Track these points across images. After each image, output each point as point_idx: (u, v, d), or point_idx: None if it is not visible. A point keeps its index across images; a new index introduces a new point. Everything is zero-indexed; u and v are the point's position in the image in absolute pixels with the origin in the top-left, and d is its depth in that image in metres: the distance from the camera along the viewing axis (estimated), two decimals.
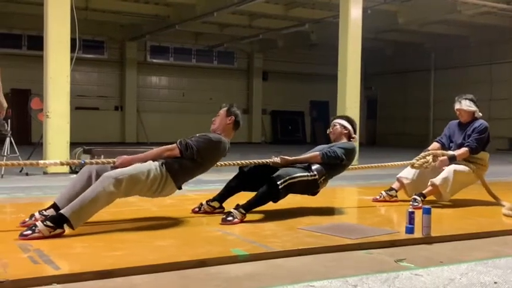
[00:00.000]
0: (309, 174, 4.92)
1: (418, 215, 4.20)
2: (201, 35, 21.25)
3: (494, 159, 14.39)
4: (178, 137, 4.63)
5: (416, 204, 5.37)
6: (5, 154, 8.97)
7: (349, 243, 3.89)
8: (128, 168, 4.22)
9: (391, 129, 24.17)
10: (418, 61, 23.03)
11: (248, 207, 4.66)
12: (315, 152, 5.14)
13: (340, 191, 7.37)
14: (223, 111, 4.93)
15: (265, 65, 24.17)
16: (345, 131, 5.45)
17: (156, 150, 4.53)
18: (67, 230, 3.89)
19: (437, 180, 5.63)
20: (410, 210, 4.23)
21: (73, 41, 9.18)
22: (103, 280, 2.99)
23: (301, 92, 24.35)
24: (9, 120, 9.76)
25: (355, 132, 5.55)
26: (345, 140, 5.38)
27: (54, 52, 9.10)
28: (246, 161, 5.27)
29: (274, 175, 4.75)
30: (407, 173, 5.99)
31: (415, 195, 5.65)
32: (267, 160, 5.13)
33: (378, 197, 5.98)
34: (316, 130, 24.88)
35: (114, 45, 21.33)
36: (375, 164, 6.52)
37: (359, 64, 11.75)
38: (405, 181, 5.96)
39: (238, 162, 5.27)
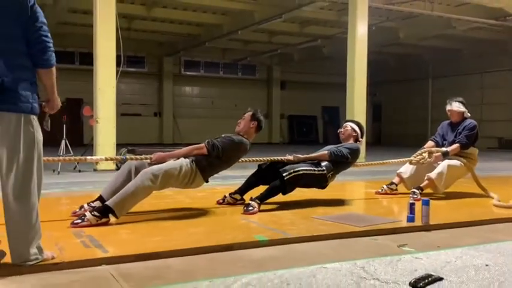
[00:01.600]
0: (316, 169, 4.92)
1: (418, 206, 4.16)
2: (228, 50, 21.30)
3: (485, 156, 14.23)
4: (208, 138, 4.64)
5: (416, 196, 5.30)
6: (61, 154, 9.10)
7: (357, 230, 3.87)
8: (163, 164, 4.24)
9: (394, 131, 23.98)
10: (418, 71, 22.85)
11: (261, 198, 4.72)
12: (323, 151, 5.14)
13: (349, 185, 7.32)
14: (248, 115, 4.92)
15: (283, 75, 24.11)
16: (354, 134, 5.44)
17: (186, 148, 4.55)
18: (112, 218, 3.93)
19: (433, 174, 5.56)
20: (411, 201, 4.21)
21: (118, 57, 9.27)
22: (144, 262, 3.01)
23: (315, 98, 24.24)
24: (64, 125, 9.91)
25: (362, 136, 5.53)
26: (351, 141, 5.38)
27: (102, 66, 9.21)
28: (265, 158, 5.26)
29: (281, 169, 4.79)
30: (406, 169, 5.93)
31: (414, 188, 5.59)
32: (282, 158, 5.11)
33: (380, 190, 5.93)
34: (327, 132, 24.80)
35: (153, 60, 21.48)
36: (379, 161, 6.44)
37: (365, 74, 11.67)
38: (404, 176, 5.89)
39: (259, 158, 5.26)
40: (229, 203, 5.02)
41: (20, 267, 2.72)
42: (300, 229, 3.90)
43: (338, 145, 5.30)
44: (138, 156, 4.65)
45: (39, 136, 2.83)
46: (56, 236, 3.51)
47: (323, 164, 5.00)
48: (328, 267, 2.90)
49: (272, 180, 4.85)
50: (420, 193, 5.47)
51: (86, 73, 12.97)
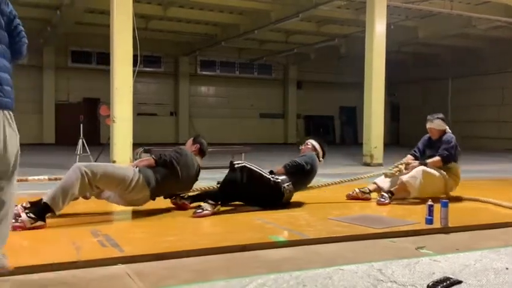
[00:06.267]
0: (270, 176, 4.77)
1: (437, 208, 4.11)
2: (244, 50, 21.32)
3: (503, 158, 14.04)
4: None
5: (383, 200, 5.13)
6: (78, 153, 9.21)
7: (374, 232, 3.85)
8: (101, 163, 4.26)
9: (412, 131, 23.58)
10: (437, 70, 22.56)
11: (216, 197, 4.50)
12: (279, 167, 5.03)
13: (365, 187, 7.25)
14: (190, 140, 4.96)
15: (299, 75, 24.05)
16: (313, 152, 5.26)
17: (136, 161, 4.63)
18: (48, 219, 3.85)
19: (404, 177, 5.30)
20: (429, 203, 4.15)
21: (135, 57, 9.34)
22: (160, 261, 3.03)
23: (331, 98, 24.13)
24: (81, 125, 10.03)
25: (323, 156, 5.33)
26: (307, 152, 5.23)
27: (119, 66, 9.28)
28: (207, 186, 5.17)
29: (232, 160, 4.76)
30: (383, 180, 5.64)
31: (383, 192, 5.32)
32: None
33: (350, 193, 5.55)
34: (344, 132, 24.67)
35: (169, 60, 21.60)
36: (348, 178, 5.95)
37: (383, 73, 11.58)
38: (381, 184, 5.56)
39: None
40: (176, 204, 4.72)
41: None
42: (317, 230, 3.89)
43: (292, 159, 5.12)
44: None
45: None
46: (73, 234, 3.56)
47: (278, 176, 4.85)
48: (344, 269, 2.89)
49: (233, 195, 4.67)
50: (390, 197, 5.22)
51: (102, 73, 13.11)
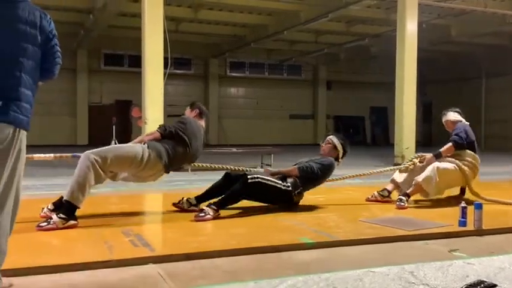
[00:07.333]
0: (282, 183, 4.69)
1: (470, 210, 4.02)
2: (273, 51, 21.30)
3: None
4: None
5: (402, 204, 4.98)
6: None
7: (406, 234, 3.79)
8: (110, 146, 4.27)
9: (444, 131, 23.06)
10: (470, 69, 22.07)
11: (220, 203, 4.40)
12: (293, 166, 4.88)
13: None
14: (187, 109, 4.95)
15: (329, 75, 23.88)
16: (334, 152, 5.07)
17: (139, 137, 4.60)
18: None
19: (419, 177, 5.15)
20: (463, 205, 4.07)
21: (165, 59, 9.45)
22: (190, 261, 3.06)
23: (362, 98, 23.87)
24: (113, 126, 10.22)
25: (343, 156, 5.13)
26: (326, 157, 5.03)
27: (150, 69, 9.41)
28: (233, 167, 5.18)
29: (247, 172, 4.65)
30: (399, 174, 5.56)
31: (400, 195, 5.17)
32: (253, 169, 5.01)
33: (369, 197, 5.44)
34: (375, 133, 24.37)
35: (199, 62, 21.77)
36: (357, 173, 5.92)
37: (415, 73, 11.41)
38: (399, 180, 5.47)
39: (227, 167, 5.16)
40: (182, 208, 4.63)
41: None
42: (346, 232, 3.86)
43: (311, 159, 5.00)
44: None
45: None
46: (105, 234, 3.63)
47: (289, 180, 4.75)
48: (375, 271, 2.86)
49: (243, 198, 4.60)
50: (407, 200, 5.08)
51: (134, 75, 13.31)
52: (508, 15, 14.15)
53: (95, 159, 3.98)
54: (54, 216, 3.80)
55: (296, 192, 4.76)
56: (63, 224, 3.77)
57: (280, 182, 4.69)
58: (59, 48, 2.73)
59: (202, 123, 4.85)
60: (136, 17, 13.24)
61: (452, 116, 5.68)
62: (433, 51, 19.95)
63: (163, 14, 9.46)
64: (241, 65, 22.48)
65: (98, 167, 3.97)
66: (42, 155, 4.84)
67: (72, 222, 3.83)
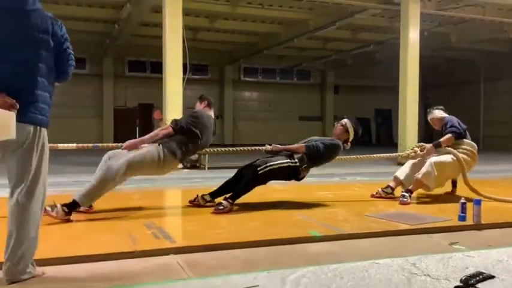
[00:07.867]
0: (290, 161, 4.64)
1: (470, 205, 3.99)
2: (284, 57, 21.29)
3: None
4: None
5: (405, 200, 4.92)
6: None
7: (409, 228, 3.77)
8: (129, 155, 4.16)
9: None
10: (469, 74, 21.85)
11: (235, 196, 4.43)
12: (301, 143, 4.82)
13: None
14: (197, 102, 4.95)
15: (336, 80, 23.79)
16: (345, 135, 4.98)
17: (153, 132, 4.53)
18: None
19: (419, 174, 5.08)
20: (462, 201, 4.03)
21: (184, 66, 9.51)
22: (210, 252, 3.07)
23: (367, 101, 23.72)
24: (137, 128, 10.28)
25: (354, 139, 5.04)
26: (336, 139, 4.93)
27: (170, 74, 9.48)
28: (243, 148, 5.24)
29: (254, 163, 4.56)
30: (401, 171, 5.46)
31: (403, 191, 5.11)
32: (262, 148, 4.95)
33: (374, 193, 5.38)
34: (380, 133, 24.22)
35: (215, 68, 21.83)
36: (364, 156, 6.12)
37: (417, 78, 11.33)
38: (401, 177, 5.38)
39: (240, 149, 5.21)
40: (199, 204, 4.63)
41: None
42: (354, 226, 3.85)
43: (320, 138, 4.91)
44: (110, 144, 4.72)
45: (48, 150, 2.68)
46: (129, 227, 3.66)
47: (296, 156, 4.69)
48: (380, 263, 2.84)
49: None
50: (410, 196, 5.02)
51: (156, 80, 13.39)
52: (505, 23, 13.99)
53: (116, 174, 3.97)
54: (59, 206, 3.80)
55: (303, 167, 4.70)
56: (64, 217, 3.79)
57: (288, 159, 4.65)
58: (71, 51, 2.75)
59: (211, 113, 4.89)
60: (157, 27, 13.30)
61: (438, 113, 5.62)
62: (434, 57, 19.79)
63: (183, 24, 9.52)
64: (254, 71, 22.49)
65: (117, 179, 4.01)
66: (65, 145, 4.99)
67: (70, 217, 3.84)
